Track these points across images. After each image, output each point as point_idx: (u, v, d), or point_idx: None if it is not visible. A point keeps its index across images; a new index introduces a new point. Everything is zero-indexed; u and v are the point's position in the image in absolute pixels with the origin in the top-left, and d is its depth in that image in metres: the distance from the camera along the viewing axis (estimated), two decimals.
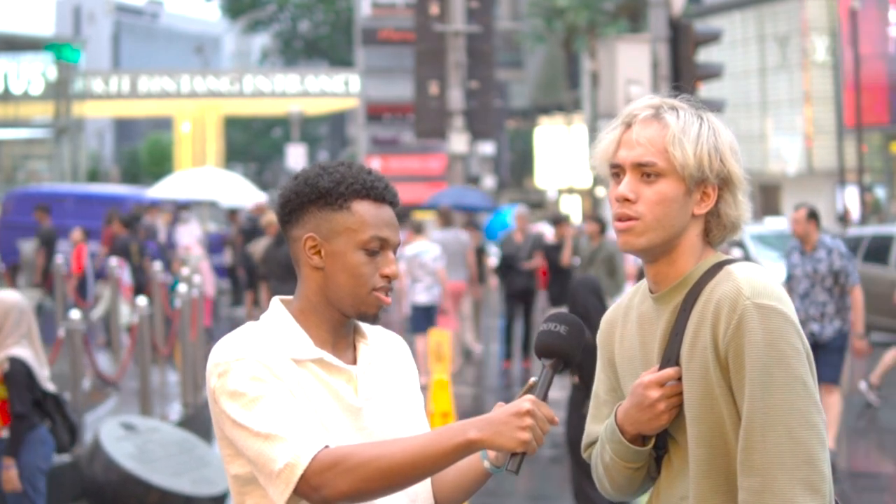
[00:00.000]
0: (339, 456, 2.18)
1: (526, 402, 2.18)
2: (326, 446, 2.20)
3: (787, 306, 2.30)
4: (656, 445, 2.41)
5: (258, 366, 2.26)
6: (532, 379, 2.31)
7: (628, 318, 2.50)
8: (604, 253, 12.22)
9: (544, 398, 2.24)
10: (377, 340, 2.47)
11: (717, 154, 2.39)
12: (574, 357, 2.28)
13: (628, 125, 2.41)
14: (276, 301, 2.42)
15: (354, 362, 2.39)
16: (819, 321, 8.81)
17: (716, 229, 2.42)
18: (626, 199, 2.37)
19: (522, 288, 14.33)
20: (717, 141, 2.40)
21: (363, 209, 2.35)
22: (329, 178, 2.35)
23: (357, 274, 2.34)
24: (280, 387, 2.25)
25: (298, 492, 2.19)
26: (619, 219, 2.39)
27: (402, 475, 2.18)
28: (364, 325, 2.46)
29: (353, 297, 2.35)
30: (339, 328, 2.39)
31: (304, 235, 2.36)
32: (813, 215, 9.00)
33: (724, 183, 2.40)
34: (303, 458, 2.18)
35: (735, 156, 2.42)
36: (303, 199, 2.36)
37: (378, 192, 2.36)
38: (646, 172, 2.37)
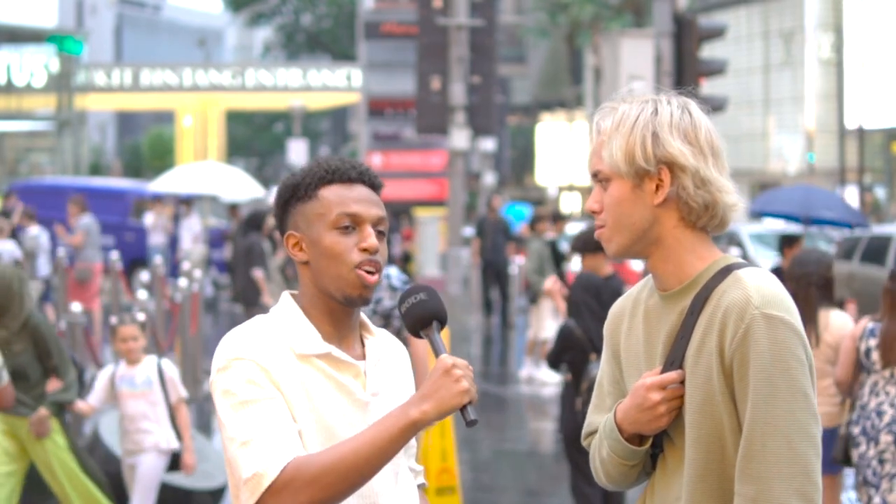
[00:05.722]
0: (294, 470, 2.21)
1: (443, 360, 2.22)
2: (296, 458, 2.23)
3: (795, 317, 2.30)
4: (653, 444, 2.43)
5: (255, 368, 2.28)
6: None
7: (636, 311, 2.48)
8: (532, 248, 13.03)
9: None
10: (383, 338, 2.49)
11: (652, 138, 2.33)
12: (445, 312, 2.35)
13: (597, 133, 2.44)
14: (286, 294, 2.43)
15: (363, 356, 2.41)
16: None
17: (691, 215, 2.36)
18: (593, 211, 2.42)
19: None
20: (655, 123, 2.34)
21: (329, 193, 2.37)
22: (299, 175, 2.40)
23: (334, 254, 2.34)
24: (271, 393, 2.28)
25: (263, 502, 2.22)
26: (596, 229, 2.43)
27: (358, 473, 2.21)
28: (370, 324, 2.48)
29: (336, 279, 2.35)
30: (343, 321, 2.39)
31: (286, 235, 2.41)
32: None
33: (671, 165, 2.34)
34: (270, 471, 2.21)
35: (678, 132, 2.34)
36: (282, 202, 2.41)
37: (343, 173, 2.38)
38: (599, 180, 2.41)
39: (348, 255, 2.34)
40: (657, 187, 2.35)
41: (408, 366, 2.53)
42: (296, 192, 2.38)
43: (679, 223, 2.37)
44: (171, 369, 6.44)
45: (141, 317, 6.58)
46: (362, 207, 2.36)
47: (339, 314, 2.39)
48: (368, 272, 2.35)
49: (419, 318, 2.33)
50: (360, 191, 2.38)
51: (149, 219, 20.42)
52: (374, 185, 2.41)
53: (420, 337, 2.34)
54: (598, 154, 2.40)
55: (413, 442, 2.52)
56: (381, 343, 2.47)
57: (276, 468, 2.21)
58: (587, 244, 7.08)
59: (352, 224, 2.35)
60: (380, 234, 2.39)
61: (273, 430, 2.24)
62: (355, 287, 2.35)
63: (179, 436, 6.39)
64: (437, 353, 2.29)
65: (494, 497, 8.41)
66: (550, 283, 7.59)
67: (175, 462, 6.45)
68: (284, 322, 2.37)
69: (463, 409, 2.21)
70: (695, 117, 2.37)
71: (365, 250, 2.35)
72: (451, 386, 2.19)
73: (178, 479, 7.26)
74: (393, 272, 6.47)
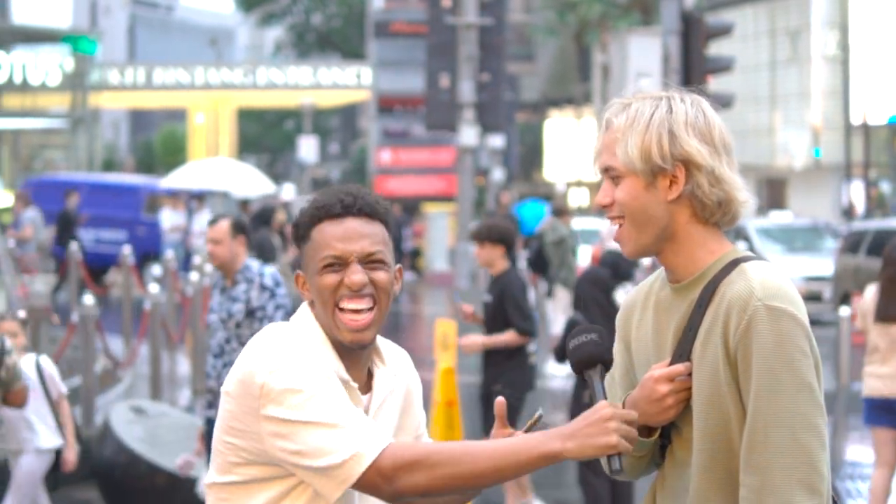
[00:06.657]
0: (419, 454, 2.19)
1: (605, 408, 2.19)
2: (392, 443, 2.21)
3: (799, 309, 2.30)
4: (661, 435, 2.44)
5: (312, 364, 2.25)
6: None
7: (648, 302, 2.49)
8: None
9: None
10: (394, 364, 2.44)
11: (669, 136, 2.34)
12: (612, 358, 2.33)
13: (606, 128, 2.42)
14: (307, 312, 2.38)
15: (369, 389, 2.38)
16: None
17: (704, 211, 2.36)
18: (604, 205, 2.40)
19: None
20: (671, 122, 2.35)
21: (319, 233, 2.33)
22: (300, 216, 2.38)
23: (322, 294, 2.31)
24: (336, 384, 2.26)
25: (363, 482, 2.19)
26: (611, 224, 2.42)
27: (482, 479, 2.20)
28: (384, 352, 2.43)
29: (327, 323, 2.32)
30: (350, 355, 2.35)
31: (295, 275, 2.41)
32: (239, 229, 6.12)
33: (687, 163, 2.35)
34: (370, 451, 2.17)
35: (694, 131, 2.35)
36: (296, 242, 2.41)
37: (332, 209, 2.31)
38: (611, 176, 2.39)
39: (333, 294, 2.29)
40: (671, 184, 2.35)
41: (418, 391, 2.48)
42: (297, 233, 2.35)
43: (691, 219, 2.37)
44: (50, 366, 6.45)
45: (21, 314, 6.64)
46: (346, 245, 2.29)
47: (346, 348, 2.35)
48: (354, 311, 2.29)
49: (587, 357, 2.30)
50: (349, 225, 2.31)
51: (166, 218, 20.61)
52: (368, 213, 2.33)
53: (583, 377, 2.31)
54: (610, 150, 2.38)
55: (423, 430, 2.50)
56: (391, 373, 2.42)
57: (376, 448, 2.17)
58: (490, 234, 7.02)
59: (338, 263, 2.30)
60: (375, 263, 2.32)
61: (356, 413, 2.21)
62: (343, 332, 2.30)
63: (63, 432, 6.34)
64: (594, 397, 2.26)
65: (500, 488, 8.55)
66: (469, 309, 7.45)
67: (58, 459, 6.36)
68: (313, 340, 2.33)
69: (609, 457, 2.22)
70: (708, 116, 2.38)
71: (346, 286, 2.29)
72: (600, 436, 2.17)
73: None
74: (268, 271, 6.20)
